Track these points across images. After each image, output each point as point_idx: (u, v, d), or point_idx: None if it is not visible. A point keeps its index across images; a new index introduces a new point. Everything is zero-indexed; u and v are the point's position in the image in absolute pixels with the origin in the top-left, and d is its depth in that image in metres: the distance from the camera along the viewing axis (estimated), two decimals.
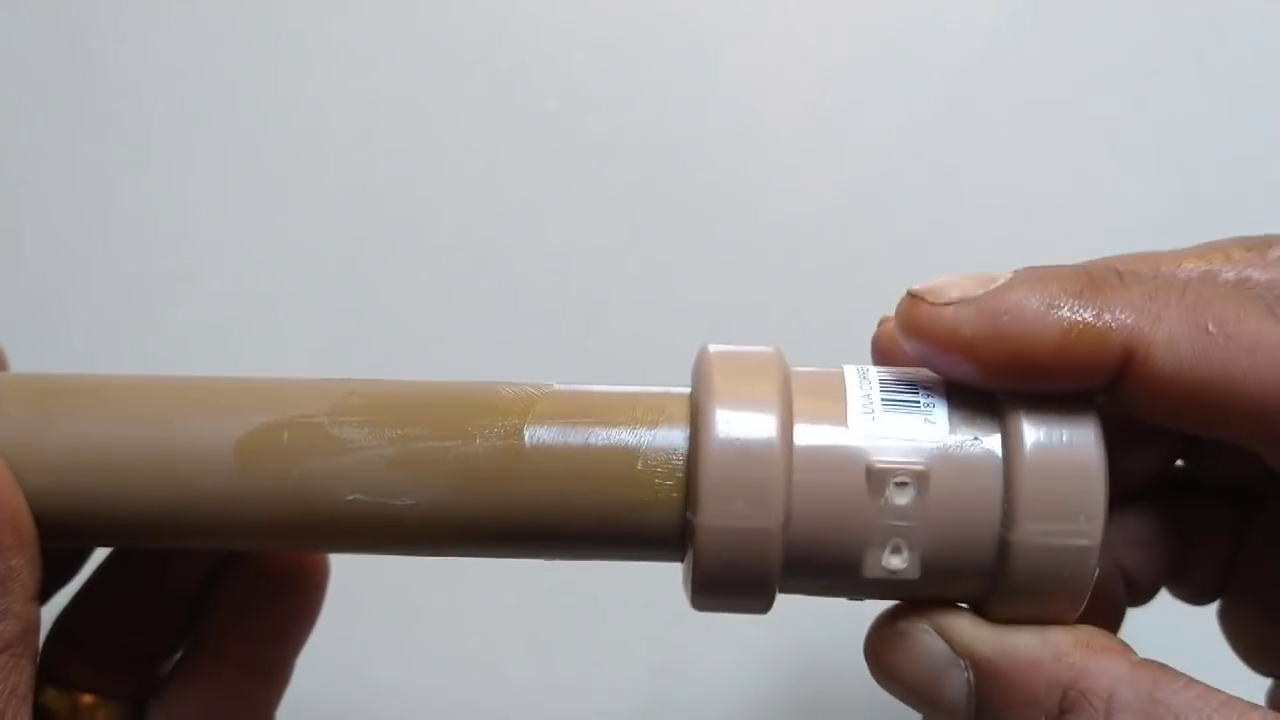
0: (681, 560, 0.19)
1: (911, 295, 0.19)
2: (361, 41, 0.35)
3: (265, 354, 0.33)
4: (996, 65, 0.36)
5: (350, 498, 0.18)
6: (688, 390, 0.19)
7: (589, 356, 0.34)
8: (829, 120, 0.36)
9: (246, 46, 0.35)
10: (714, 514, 0.17)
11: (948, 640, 0.18)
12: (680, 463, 0.18)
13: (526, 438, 0.18)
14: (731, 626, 0.32)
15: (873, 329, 0.34)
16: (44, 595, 0.20)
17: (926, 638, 0.18)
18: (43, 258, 0.34)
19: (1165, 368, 0.17)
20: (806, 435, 0.18)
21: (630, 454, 0.18)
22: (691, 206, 0.35)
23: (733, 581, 0.18)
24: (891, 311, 0.20)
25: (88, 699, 0.23)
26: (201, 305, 0.33)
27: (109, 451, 0.19)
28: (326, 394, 0.19)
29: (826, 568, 0.18)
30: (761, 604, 0.19)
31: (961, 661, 0.18)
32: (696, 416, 0.18)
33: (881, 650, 0.19)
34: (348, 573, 0.29)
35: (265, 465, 0.18)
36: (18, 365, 0.27)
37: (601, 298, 0.34)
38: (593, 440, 0.18)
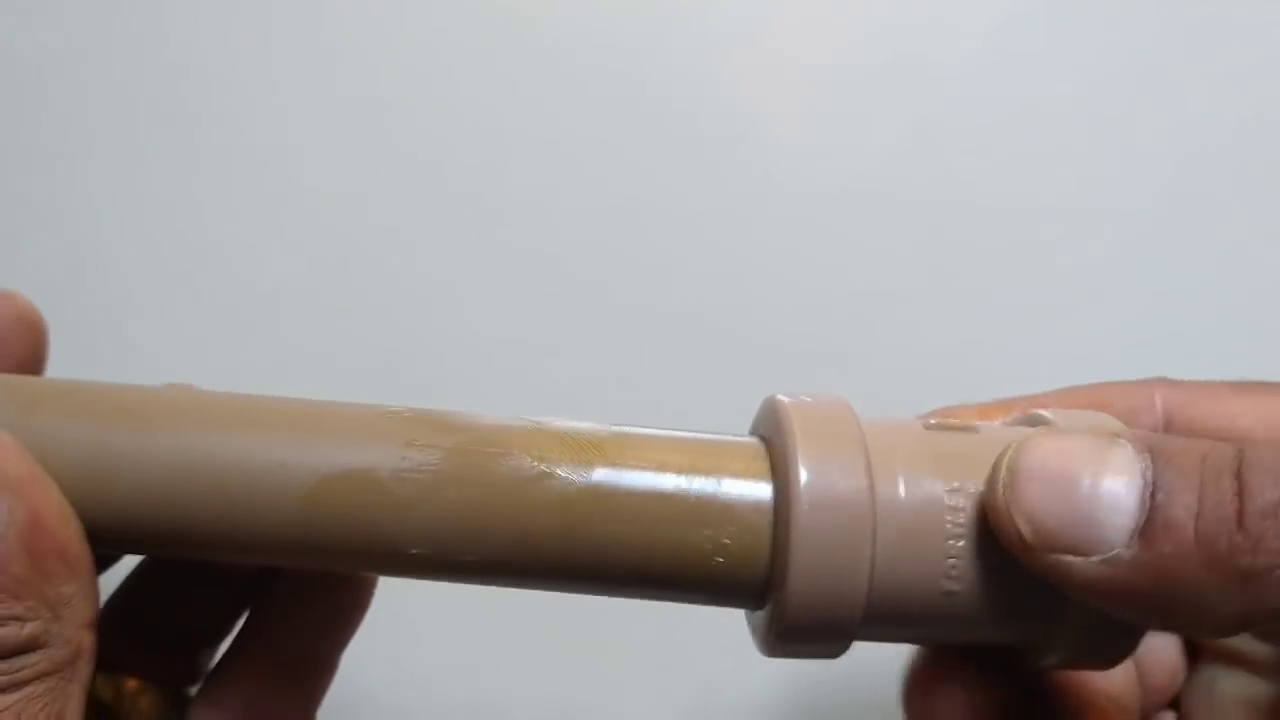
0: (757, 609, 0.19)
1: (1055, 552, 0.17)
2: (363, 42, 0.35)
3: (268, 354, 0.33)
4: (996, 66, 0.36)
5: (413, 551, 0.18)
6: (755, 440, 0.20)
7: (589, 356, 0.34)
8: (829, 121, 0.36)
9: (248, 47, 0.35)
10: (807, 567, 0.17)
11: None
12: (767, 515, 0.18)
13: (594, 484, 0.18)
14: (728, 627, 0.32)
15: (872, 329, 0.34)
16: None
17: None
18: (45, 258, 0.34)
19: None
20: (886, 488, 0.18)
21: (706, 503, 0.18)
22: (692, 207, 0.35)
23: (816, 631, 0.18)
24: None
25: (132, 684, 0.23)
26: (203, 306, 0.33)
27: (176, 487, 0.19)
28: (389, 439, 0.19)
29: (905, 617, 0.18)
30: (837, 651, 0.19)
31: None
32: (784, 468, 0.18)
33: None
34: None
35: (330, 516, 0.18)
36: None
37: (601, 298, 0.34)
38: (665, 486, 0.18)
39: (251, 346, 0.33)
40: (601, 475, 0.18)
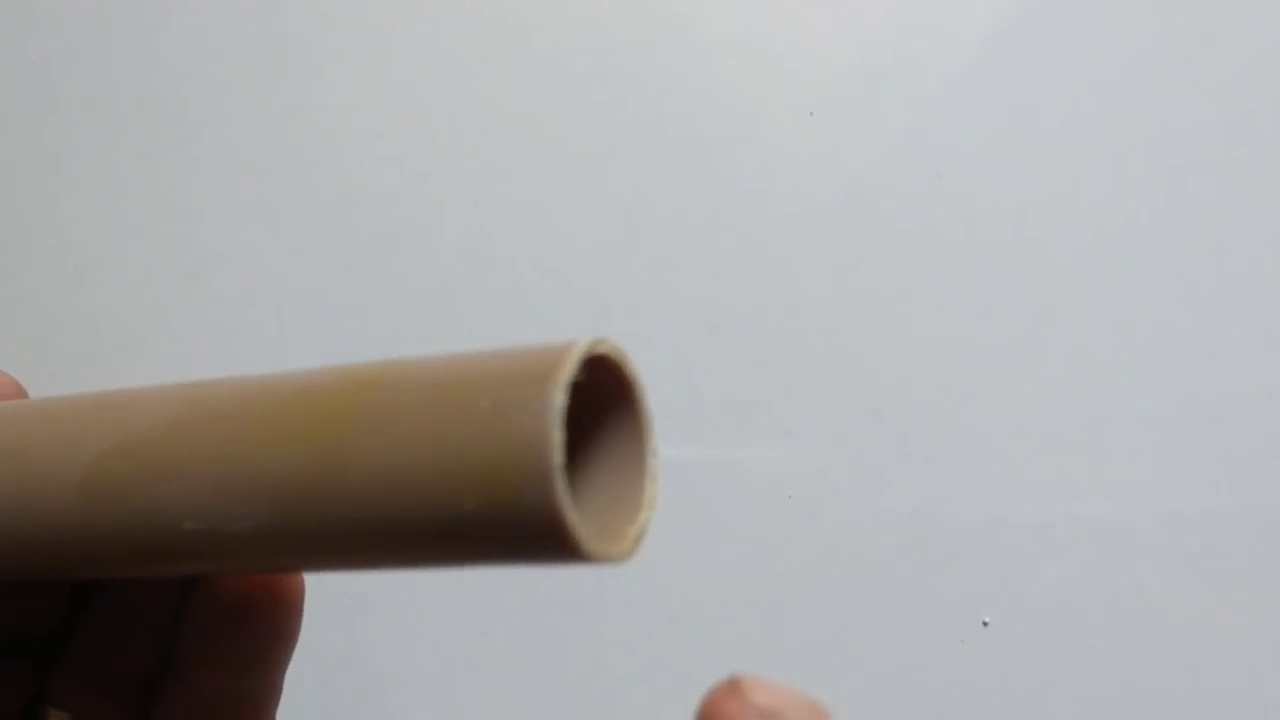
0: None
1: (730, 683, 0.16)
2: (366, 46, 0.36)
3: (270, 354, 0.33)
4: (994, 67, 0.36)
5: (187, 526, 0.16)
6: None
7: None
8: (828, 122, 0.36)
9: (253, 50, 0.35)
10: None
11: None
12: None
13: (351, 419, 0.15)
14: (730, 626, 0.32)
15: (870, 328, 0.34)
16: (48, 626, 0.20)
17: None
18: (50, 259, 0.34)
19: None
20: None
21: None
22: (691, 207, 0.35)
23: None
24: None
25: None
26: (206, 306, 0.33)
27: None
28: (163, 410, 0.17)
29: None
30: None
31: None
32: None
33: None
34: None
35: (107, 497, 0.17)
36: (21, 365, 0.27)
37: (601, 298, 0.34)
38: (428, 415, 0.15)
39: (252, 347, 0.33)
40: (363, 412, 0.15)
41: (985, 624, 0.32)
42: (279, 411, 0.16)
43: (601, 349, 0.15)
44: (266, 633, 0.22)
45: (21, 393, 0.22)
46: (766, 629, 0.32)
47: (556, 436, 0.14)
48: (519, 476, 0.14)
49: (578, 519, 0.14)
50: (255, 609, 0.21)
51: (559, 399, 0.14)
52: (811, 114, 0.36)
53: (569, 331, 0.34)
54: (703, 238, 0.35)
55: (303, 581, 0.22)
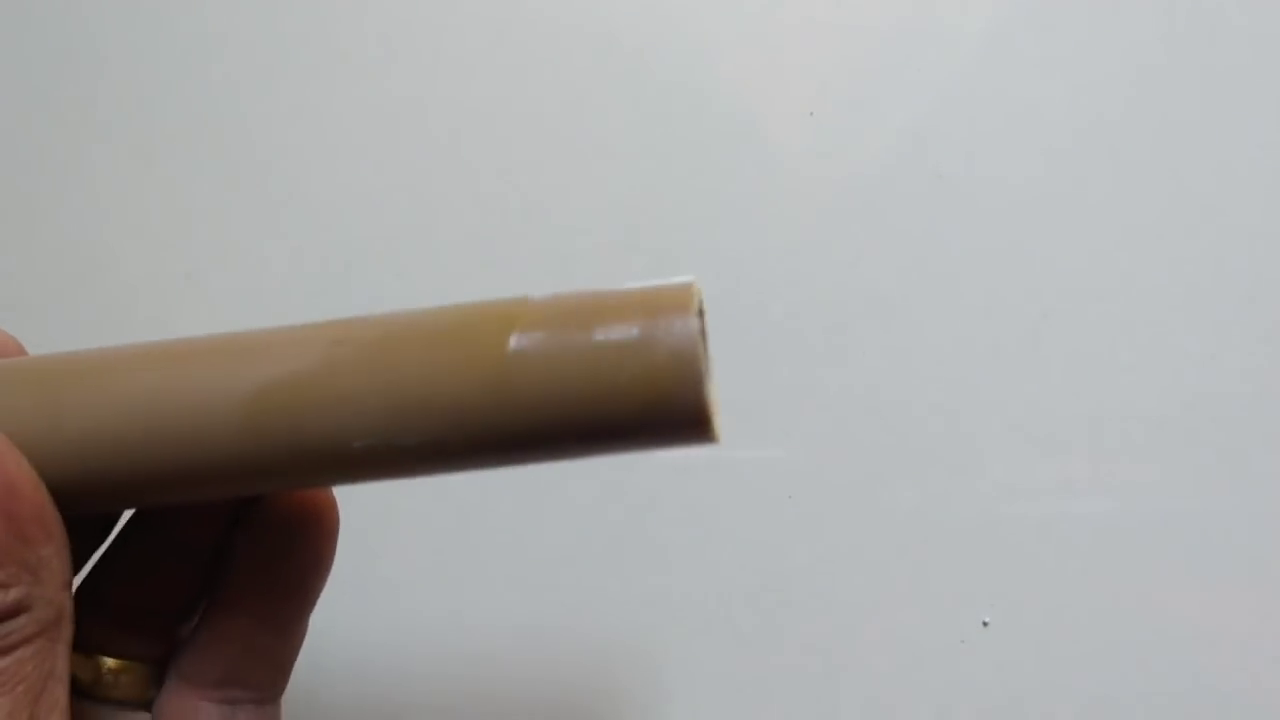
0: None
1: None
2: (365, 46, 0.36)
3: None
4: (993, 67, 0.36)
5: (357, 445, 0.18)
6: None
7: None
8: (827, 122, 0.36)
9: (250, 52, 0.35)
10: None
11: None
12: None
13: (511, 349, 0.18)
14: (726, 628, 0.32)
15: (870, 328, 0.34)
16: (75, 565, 0.21)
17: None
18: (48, 259, 0.34)
19: None
20: None
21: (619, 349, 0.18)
22: (691, 207, 0.35)
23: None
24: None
25: (111, 663, 0.23)
26: (206, 307, 0.33)
27: (124, 430, 0.19)
28: (316, 342, 0.19)
29: None
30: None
31: None
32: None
33: None
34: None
35: (274, 426, 0.19)
36: None
37: None
38: (577, 341, 0.18)
39: None
40: (520, 340, 0.18)
41: (985, 624, 0.32)
42: (443, 343, 0.19)
43: (696, 285, 0.19)
44: (309, 559, 0.24)
45: (21, 349, 0.24)
46: (766, 629, 0.32)
47: (701, 352, 0.18)
48: (676, 385, 0.18)
49: (716, 413, 0.19)
50: (298, 537, 0.24)
51: (696, 324, 0.18)
52: (811, 114, 0.36)
53: None
54: (702, 237, 0.35)
55: (338, 515, 0.24)
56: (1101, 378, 0.34)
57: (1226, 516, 0.33)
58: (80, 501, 0.20)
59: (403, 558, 0.32)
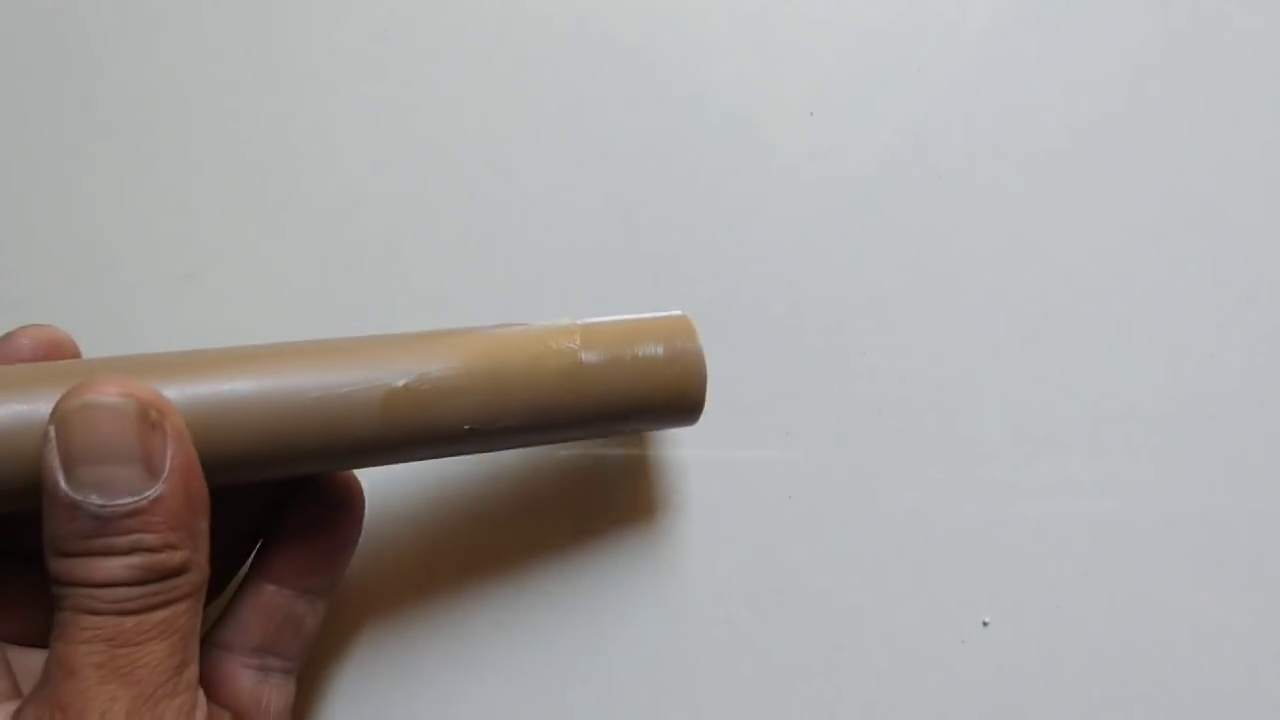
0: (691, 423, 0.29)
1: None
2: (365, 44, 0.36)
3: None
4: (993, 67, 0.36)
5: (467, 427, 0.25)
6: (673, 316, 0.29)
7: None
8: (827, 122, 0.36)
9: (251, 48, 0.35)
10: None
11: None
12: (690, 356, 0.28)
13: (582, 360, 0.26)
14: (720, 626, 0.32)
15: (869, 328, 0.34)
16: None
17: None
18: (48, 259, 0.34)
19: None
20: None
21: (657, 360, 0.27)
22: (691, 208, 0.35)
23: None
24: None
25: None
26: (206, 307, 0.33)
27: (278, 417, 0.24)
28: (430, 354, 0.25)
29: None
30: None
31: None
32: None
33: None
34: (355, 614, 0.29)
35: (403, 415, 0.25)
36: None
37: (601, 299, 0.34)
38: (625, 354, 0.27)
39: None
40: (588, 354, 0.27)
41: (985, 624, 0.32)
42: (535, 354, 0.26)
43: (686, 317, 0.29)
44: (342, 536, 0.28)
45: (77, 350, 0.27)
46: (766, 629, 0.32)
47: (705, 367, 0.28)
48: (693, 388, 0.28)
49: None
50: (335, 517, 0.28)
51: (701, 345, 0.28)
52: (811, 114, 0.36)
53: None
54: (702, 237, 0.35)
55: (364, 499, 0.29)
56: (1101, 378, 0.34)
57: (1226, 516, 0.33)
58: (223, 476, 0.24)
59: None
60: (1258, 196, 0.35)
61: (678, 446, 0.33)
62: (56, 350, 0.26)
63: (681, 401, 0.28)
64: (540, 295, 0.34)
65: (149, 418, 0.22)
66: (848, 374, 0.34)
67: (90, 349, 0.33)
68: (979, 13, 0.37)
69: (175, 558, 0.22)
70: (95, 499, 0.21)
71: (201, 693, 0.23)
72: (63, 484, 0.21)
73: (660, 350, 0.27)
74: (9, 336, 0.26)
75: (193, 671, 0.22)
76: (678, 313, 0.28)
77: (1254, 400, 0.34)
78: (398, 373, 0.25)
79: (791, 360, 0.34)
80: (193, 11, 0.36)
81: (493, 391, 0.25)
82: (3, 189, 0.34)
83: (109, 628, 0.21)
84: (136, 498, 0.21)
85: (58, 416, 0.21)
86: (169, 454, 0.22)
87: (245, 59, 0.35)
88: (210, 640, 0.27)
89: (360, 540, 0.29)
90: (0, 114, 0.35)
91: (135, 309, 0.33)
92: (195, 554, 0.22)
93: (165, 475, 0.22)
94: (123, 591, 0.21)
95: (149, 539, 0.21)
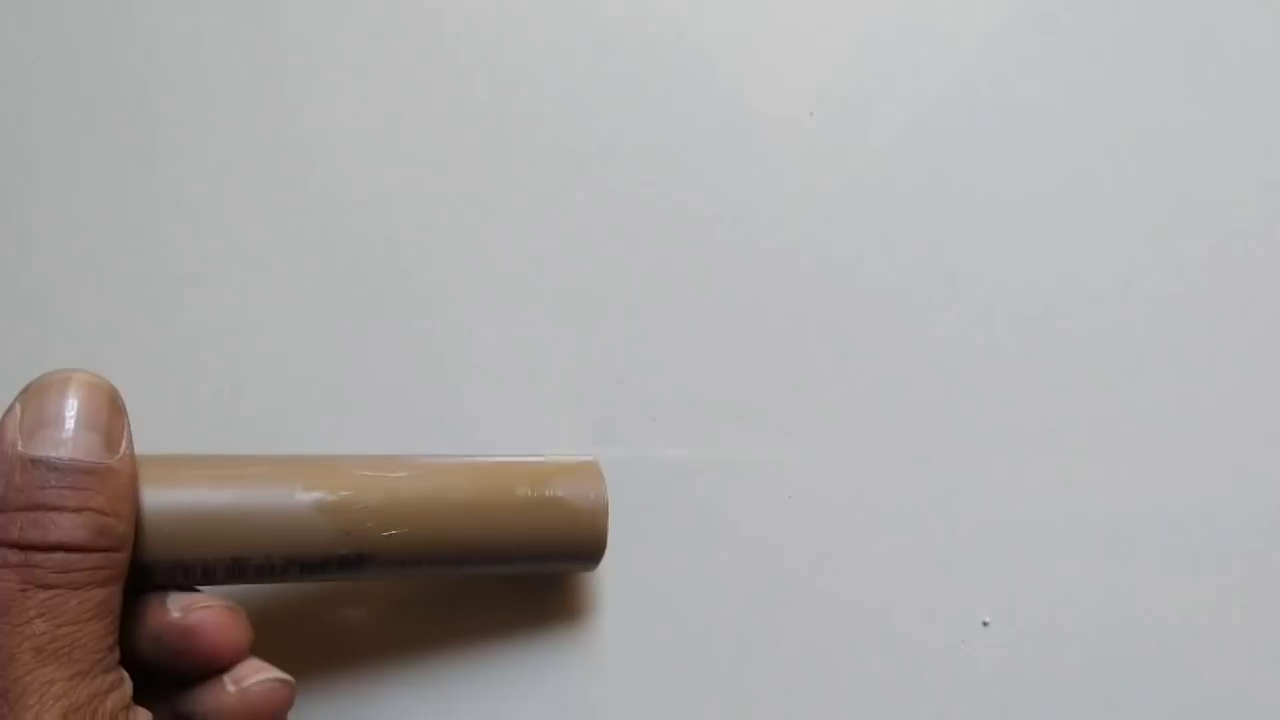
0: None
1: None
2: (365, 47, 0.36)
3: (270, 359, 0.33)
4: (994, 67, 0.36)
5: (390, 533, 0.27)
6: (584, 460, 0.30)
7: (586, 357, 0.34)
8: (826, 123, 0.36)
9: (252, 50, 0.35)
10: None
11: None
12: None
13: (518, 494, 0.29)
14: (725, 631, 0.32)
15: (869, 329, 0.34)
16: None
17: None
18: (48, 260, 0.34)
19: None
20: None
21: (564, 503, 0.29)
22: (690, 208, 0.35)
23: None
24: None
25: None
26: (207, 309, 0.33)
27: (227, 519, 0.25)
28: (383, 474, 0.27)
29: None
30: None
31: None
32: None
33: None
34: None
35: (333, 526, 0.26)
36: (21, 365, 0.27)
37: (601, 299, 0.34)
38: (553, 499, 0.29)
39: (253, 348, 0.33)
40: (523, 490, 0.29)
41: (985, 624, 0.32)
42: (431, 500, 0.28)
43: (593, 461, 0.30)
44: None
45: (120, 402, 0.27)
46: (766, 629, 0.32)
47: (607, 515, 0.29)
48: (596, 532, 0.29)
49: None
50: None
51: (606, 492, 0.30)
52: (811, 114, 0.36)
53: (564, 334, 0.35)
54: (702, 238, 0.35)
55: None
56: (1101, 378, 0.34)
57: (1226, 516, 0.33)
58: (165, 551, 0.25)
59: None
60: (1258, 196, 0.35)
61: (678, 446, 0.33)
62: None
63: (597, 540, 0.29)
64: (540, 295, 0.34)
65: (116, 402, 0.24)
66: (848, 374, 0.34)
67: (91, 350, 0.33)
68: (979, 13, 0.37)
69: (119, 527, 0.23)
70: (53, 454, 0.22)
71: (126, 675, 0.23)
72: (20, 446, 0.22)
73: (592, 494, 0.29)
74: None
75: (118, 656, 0.23)
76: (589, 458, 0.30)
77: (1254, 400, 0.34)
78: (329, 490, 0.26)
79: (791, 360, 0.34)
80: (196, 13, 0.36)
81: (412, 529, 0.27)
82: (3, 189, 0.34)
83: (55, 606, 0.21)
84: (96, 460, 0.22)
85: (28, 390, 0.23)
86: (125, 438, 0.23)
87: (247, 59, 0.35)
88: None
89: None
90: (0, 114, 0.35)
91: (136, 310, 0.33)
92: (129, 543, 0.23)
93: (121, 454, 0.23)
94: (75, 558, 0.22)
95: (100, 501, 0.22)
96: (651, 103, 0.36)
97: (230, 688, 0.26)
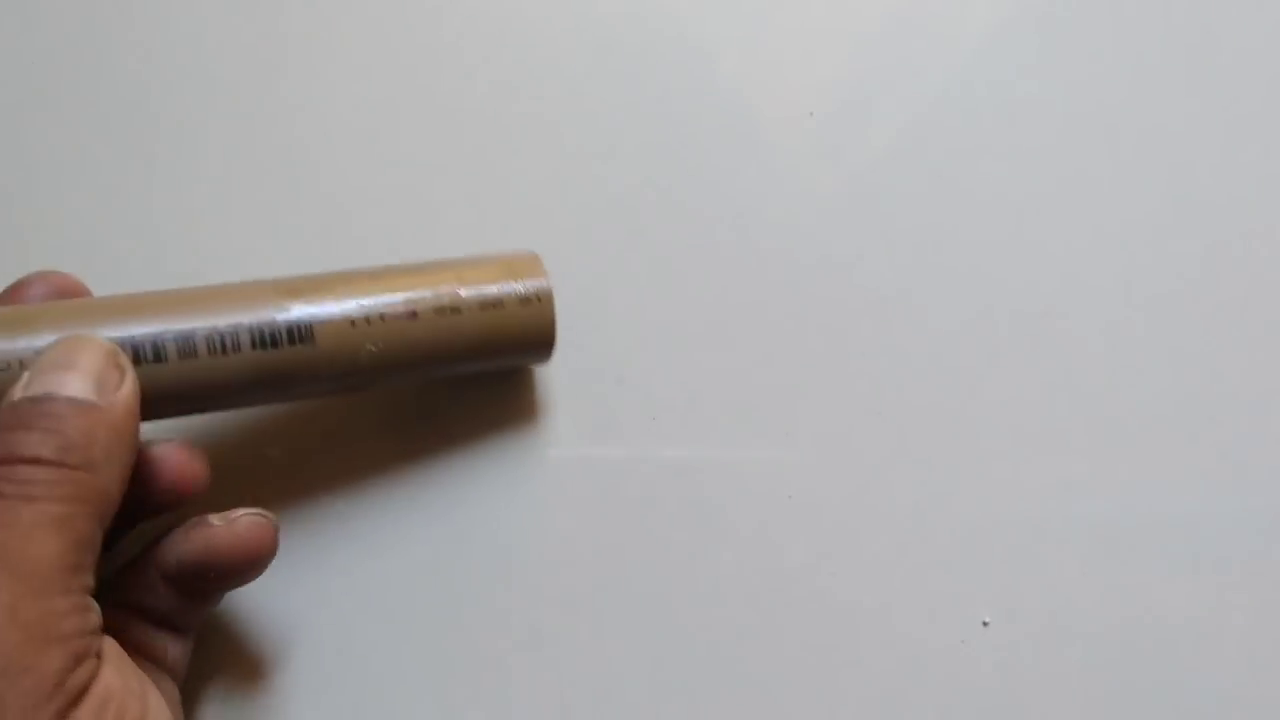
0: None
1: None
2: (366, 46, 0.36)
3: None
4: (993, 67, 0.36)
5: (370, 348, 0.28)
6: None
7: (584, 358, 0.34)
8: (826, 123, 0.36)
9: (252, 49, 0.35)
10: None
11: None
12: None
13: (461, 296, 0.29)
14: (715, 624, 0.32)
15: (872, 329, 0.34)
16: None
17: None
18: (48, 261, 0.34)
19: None
20: None
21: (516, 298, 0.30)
22: (690, 208, 0.35)
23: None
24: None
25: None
26: None
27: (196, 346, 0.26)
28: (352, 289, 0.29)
29: None
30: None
31: None
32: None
33: None
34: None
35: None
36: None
37: (601, 298, 0.34)
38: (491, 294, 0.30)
39: None
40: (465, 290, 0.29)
41: (985, 624, 0.32)
42: (391, 280, 0.29)
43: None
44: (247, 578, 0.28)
45: (87, 290, 0.29)
46: (766, 629, 0.32)
47: (553, 303, 0.30)
48: (545, 322, 0.30)
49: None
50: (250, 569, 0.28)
51: (548, 281, 0.30)
52: (811, 114, 0.36)
53: (563, 331, 0.35)
54: (702, 237, 0.35)
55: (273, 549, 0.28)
56: (1101, 378, 0.34)
57: (1226, 516, 0.33)
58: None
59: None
60: (1258, 196, 0.35)
61: (678, 446, 0.33)
62: (67, 296, 0.28)
63: (547, 331, 0.30)
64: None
65: (117, 361, 0.24)
66: (848, 374, 0.34)
67: None
68: (979, 13, 0.37)
69: (93, 453, 0.22)
70: (39, 391, 0.23)
71: (95, 604, 0.23)
72: (18, 393, 0.23)
73: (541, 284, 0.30)
74: (21, 283, 0.28)
75: (88, 581, 0.22)
76: (528, 250, 0.31)
77: (1254, 400, 0.34)
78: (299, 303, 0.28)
79: (791, 360, 0.34)
80: (196, 13, 0.36)
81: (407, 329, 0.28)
82: (3, 189, 0.34)
83: (5, 514, 0.21)
84: (77, 397, 0.23)
85: (40, 360, 0.24)
86: (120, 392, 0.24)
87: (248, 59, 0.35)
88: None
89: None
90: (0, 114, 0.35)
91: None
92: (109, 479, 0.23)
93: (112, 401, 0.23)
94: (33, 470, 0.22)
95: (71, 426, 0.22)
96: (652, 102, 0.36)
97: (217, 522, 0.27)
